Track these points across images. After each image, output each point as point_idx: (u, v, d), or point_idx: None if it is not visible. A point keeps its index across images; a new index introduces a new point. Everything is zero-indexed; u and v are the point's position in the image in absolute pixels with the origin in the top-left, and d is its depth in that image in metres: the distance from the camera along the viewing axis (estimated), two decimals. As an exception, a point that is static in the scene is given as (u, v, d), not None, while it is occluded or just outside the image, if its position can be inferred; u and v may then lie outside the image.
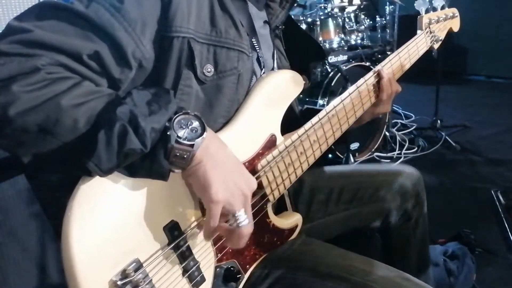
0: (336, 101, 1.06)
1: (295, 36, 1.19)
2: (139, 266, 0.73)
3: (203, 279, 0.84)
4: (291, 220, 1.05)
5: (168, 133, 0.70)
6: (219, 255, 0.88)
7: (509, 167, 2.96)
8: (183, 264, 0.80)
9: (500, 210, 2.34)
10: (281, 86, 0.98)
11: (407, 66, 1.25)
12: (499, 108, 4.33)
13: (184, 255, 0.80)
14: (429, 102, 3.83)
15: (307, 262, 0.98)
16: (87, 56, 0.71)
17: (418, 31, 1.30)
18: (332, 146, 3.38)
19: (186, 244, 0.81)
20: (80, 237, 0.67)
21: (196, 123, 0.74)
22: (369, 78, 1.13)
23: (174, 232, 0.78)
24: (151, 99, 0.72)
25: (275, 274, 0.96)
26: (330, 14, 3.28)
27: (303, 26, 3.26)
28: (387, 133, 3.33)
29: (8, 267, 1.47)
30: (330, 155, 2.97)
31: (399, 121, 3.87)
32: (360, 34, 3.36)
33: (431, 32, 1.32)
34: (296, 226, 1.05)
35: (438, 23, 1.36)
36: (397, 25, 3.50)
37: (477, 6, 5.41)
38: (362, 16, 3.40)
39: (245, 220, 0.77)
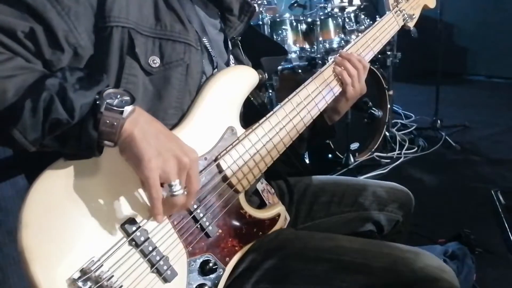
0: (299, 88, 1.09)
1: (257, 41, 1.22)
2: (97, 263, 0.75)
3: (174, 273, 0.84)
4: (271, 209, 1.05)
5: (98, 102, 0.73)
6: (190, 248, 0.88)
7: (509, 167, 2.95)
8: (147, 258, 0.81)
9: (500, 210, 2.35)
10: (233, 81, 1.00)
11: (378, 47, 1.27)
12: (499, 108, 4.33)
13: (147, 249, 0.81)
14: (429, 102, 3.84)
15: (294, 249, 0.99)
16: (22, 34, 0.75)
17: (387, 12, 1.32)
18: (332, 146, 3.35)
19: (147, 238, 0.81)
20: (33, 240, 0.70)
21: (126, 97, 0.76)
22: (329, 65, 1.17)
23: (132, 228, 0.80)
24: (83, 76, 0.75)
25: (265, 265, 0.96)
26: (330, 14, 3.28)
27: (303, 26, 3.27)
28: (387, 133, 3.33)
29: (8, 267, 1.47)
30: (330, 155, 2.98)
31: (399, 121, 3.88)
32: (360, 34, 3.35)
33: (400, 12, 1.34)
34: (278, 216, 1.05)
35: (408, 2, 1.37)
36: (397, 25, 3.49)
37: (477, 6, 5.42)
38: (362, 16, 3.40)
39: (179, 190, 0.77)
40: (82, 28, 0.81)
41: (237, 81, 1.01)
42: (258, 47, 1.21)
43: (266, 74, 1.10)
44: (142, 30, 0.87)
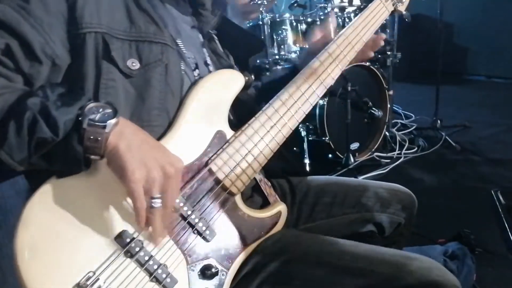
0: (287, 85, 1.07)
1: (233, 34, 1.22)
2: (93, 277, 0.75)
3: (174, 280, 0.84)
4: (272, 208, 1.04)
5: (80, 118, 0.73)
6: (189, 254, 0.88)
7: (509, 167, 2.95)
8: (144, 268, 0.81)
9: (500, 210, 2.35)
10: (218, 86, 1.00)
11: (368, 34, 1.22)
12: (499, 108, 4.33)
13: (142, 259, 0.81)
14: (429, 102, 3.83)
15: (297, 252, 0.99)
16: None
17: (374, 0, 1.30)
18: (332, 146, 3.34)
19: (142, 248, 0.81)
20: (28, 257, 0.71)
21: (108, 110, 0.76)
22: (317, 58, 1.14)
23: (126, 239, 0.80)
24: (64, 92, 0.76)
25: (267, 268, 0.96)
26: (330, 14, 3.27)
27: (303, 26, 3.27)
28: (387, 133, 3.33)
29: (8, 267, 1.47)
30: (330, 155, 2.98)
31: (399, 121, 3.87)
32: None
33: None
34: (279, 213, 1.04)
35: None
36: (397, 25, 3.50)
37: (477, 6, 5.42)
38: (362, 16, 3.39)
39: (157, 202, 0.77)
40: (57, 38, 0.82)
41: (223, 85, 1.01)
42: (234, 39, 1.20)
43: (253, 76, 1.09)
44: (116, 34, 0.87)
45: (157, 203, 0.77)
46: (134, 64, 0.88)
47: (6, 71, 0.78)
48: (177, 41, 0.99)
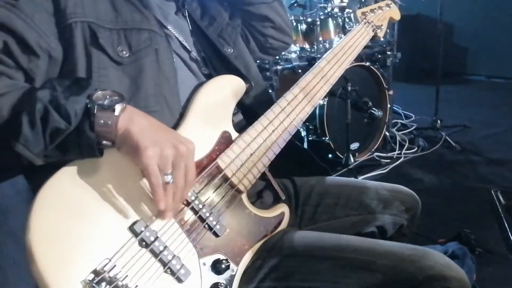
0: (285, 93, 1.13)
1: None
2: (109, 263, 0.75)
3: (187, 272, 0.84)
4: (275, 208, 1.07)
5: (89, 106, 0.75)
6: (200, 248, 0.88)
7: (509, 167, 2.95)
8: (158, 258, 0.81)
9: (500, 210, 2.35)
10: (220, 89, 1.04)
11: (355, 52, 1.35)
12: (499, 108, 4.33)
13: (157, 249, 0.81)
14: (429, 102, 3.83)
15: (301, 248, 0.99)
16: None
17: (357, 24, 1.45)
18: (332, 146, 3.34)
19: (157, 238, 0.82)
20: (43, 244, 0.70)
21: (115, 97, 0.78)
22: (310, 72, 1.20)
23: (140, 228, 0.80)
24: (70, 84, 0.78)
25: (269, 263, 0.97)
26: (330, 14, 3.28)
27: (303, 26, 3.27)
28: (387, 133, 3.33)
29: (8, 267, 1.47)
30: (330, 155, 2.98)
31: (399, 121, 3.88)
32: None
33: (369, 23, 1.45)
34: (283, 214, 1.07)
35: (374, 14, 1.49)
36: (397, 25, 3.50)
37: (477, 6, 5.42)
38: (362, 16, 3.40)
39: (169, 177, 0.78)
40: (49, 31, 0.85)
41: (225, 89, 1.05)
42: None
43: (253, 83, 1.12)
44: (103, 24, 0.90)
45: (170, 178, 0.78)
46: (124, 52, 0.90)
47: (8, 70, 0.80)
48: (168, 27, 1.02)
